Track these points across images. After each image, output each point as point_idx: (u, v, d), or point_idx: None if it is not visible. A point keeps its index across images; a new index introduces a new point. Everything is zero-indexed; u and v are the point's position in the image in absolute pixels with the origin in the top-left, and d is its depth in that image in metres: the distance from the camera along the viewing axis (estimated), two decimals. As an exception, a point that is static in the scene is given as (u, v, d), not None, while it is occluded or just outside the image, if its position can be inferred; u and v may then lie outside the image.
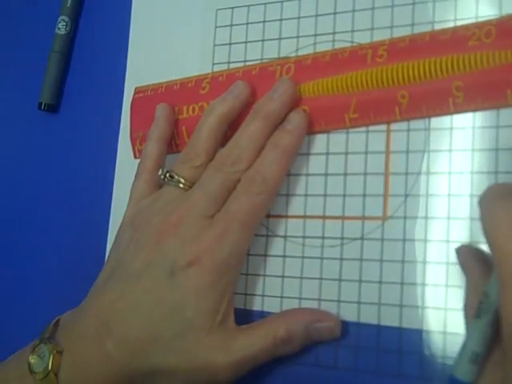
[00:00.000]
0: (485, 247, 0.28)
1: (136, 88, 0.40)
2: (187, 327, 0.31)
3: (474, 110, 0.30)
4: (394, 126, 0.32)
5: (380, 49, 0.32)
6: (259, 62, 0.36)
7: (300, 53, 0.35)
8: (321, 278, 0.33)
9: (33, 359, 0.32)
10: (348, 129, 0.33)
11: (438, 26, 0.32)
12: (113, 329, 0.31)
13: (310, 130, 0.34)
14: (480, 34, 0.29)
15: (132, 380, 0.32)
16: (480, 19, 0.31)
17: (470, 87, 0.30)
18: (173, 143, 0.37)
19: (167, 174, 0.34)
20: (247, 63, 0.37)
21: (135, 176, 0.36)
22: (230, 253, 0.31)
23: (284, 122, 0.33)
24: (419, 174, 0.32)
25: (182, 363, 0.31)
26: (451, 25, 0.31)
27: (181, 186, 0.33)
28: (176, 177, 0.33)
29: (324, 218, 0.33)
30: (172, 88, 0.38)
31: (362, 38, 0.34)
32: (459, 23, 0.31)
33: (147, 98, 0.39)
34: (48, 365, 0.31)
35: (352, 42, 0.34)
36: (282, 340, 0.31)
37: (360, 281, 0.32)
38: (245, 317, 0.34)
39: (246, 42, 0.37)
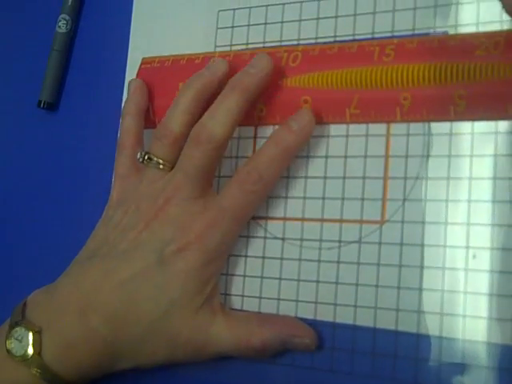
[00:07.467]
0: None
1: (143, 58, 0.40)
2: (172, 308, 0.31)
3: (474, 119, 0.30)
4: (393, 131, 0.32)
5: (388, 48, 0.32)
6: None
7: (301, 55, 0.35)
8: (318, 281, 0.33)
9: (10, 343, 0.31)
10: (348, 124, 0.33)
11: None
12: (98, 306, 0.31)
13: None
14: (488, 44, 0.29)
15: (116, 355, 0.32)
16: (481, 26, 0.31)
17: (472, 97, 0.30)
18: None
19: (145, 157, 0.34)
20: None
21: (116, 152, 0.36)
22: (220, 242, 0.32)
23: (290, 120, 0.32)
24: (417, 178, 0.32)
25: (165, 342, 0.32)
26: (452, 31, 0.32)
27: (161, 167, 0.33)
28: (154, 158, 0.33)
29: (322, 220, 0.33)
30: (179, 62, 0.38)
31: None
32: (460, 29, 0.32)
33: (153, 69, 0.39)
34: (29, 346, 0.31)
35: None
36: (254, 349, 0.32)
37: (357, 284, 0.32)
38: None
39: (247, 44, 0.37)
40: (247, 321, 0.32)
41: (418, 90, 0.31)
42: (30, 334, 0.31)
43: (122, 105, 0.40)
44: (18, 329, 0.31)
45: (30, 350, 0.31)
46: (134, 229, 0.32)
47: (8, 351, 0.31)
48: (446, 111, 0.30)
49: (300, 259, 0.34)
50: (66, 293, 0.33)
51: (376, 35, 0.34)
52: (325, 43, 0.35)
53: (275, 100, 0.34)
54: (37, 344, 0.31)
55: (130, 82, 0.38)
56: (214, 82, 0.33)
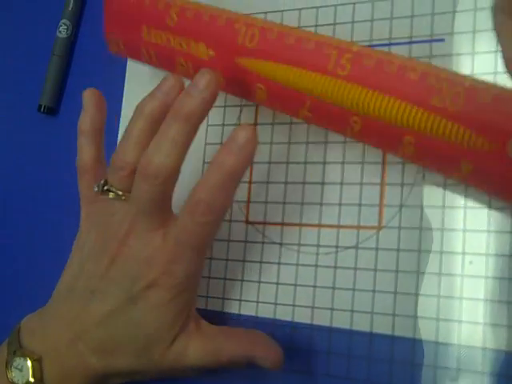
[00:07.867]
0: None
1: None
2: (150, 342, 0.31)
3: (423, 166, 0.31)
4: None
5: (344, 57, 0.29)
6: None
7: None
8: (315, 286, 0.33)
9: (11, 373, 0.32)
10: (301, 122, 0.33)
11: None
12: (84, 337, 0.32)
13: (267, 105, 0.33)
14: (448, 93, 0.27)
15: (110, 377, 0.33)
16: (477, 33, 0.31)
17: (420, 148, 0.28)
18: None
19: (104, 188, 0.33)
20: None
21: (78, 175, 0.36)
22: (185, 275, 0.31)
23: (228, 141, 0.29)
24: (414, 185, 0.32)
25: (152, 369, 0.32)
26: (449, 39, 0.32)
27: (123, 198, 0.32)
28: (113, 189, 0.33)
29: (320, 226, 0.34)
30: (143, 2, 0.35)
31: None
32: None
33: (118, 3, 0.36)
34: (30, 375, 0.31)
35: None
36: (224, 365, 0.32)
37: (354, 289, 0.32)
38: (238, 322, 0.35)
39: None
40: (215, 337, 0.33)
41: (367, 118, 0.29)
42: (30, 363, 0.31)
43: (121, 110, 0.41)
44: (17, 358, 0.32)
45: (32, 378, 0.31)
46: (101, 263, 0.32)
47: (10, 380, 0.32)
48: (395, 149, 0.29)
49: (297, 264, 0.34)
50: (55, 323, 0.33)
51: (374, 42, 0.34)
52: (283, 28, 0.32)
53: (230, 75, 0.32)
54: (37, 372, 0.31)
55: (84, 93, 0.35)
56: (168, 104, 0.31)
